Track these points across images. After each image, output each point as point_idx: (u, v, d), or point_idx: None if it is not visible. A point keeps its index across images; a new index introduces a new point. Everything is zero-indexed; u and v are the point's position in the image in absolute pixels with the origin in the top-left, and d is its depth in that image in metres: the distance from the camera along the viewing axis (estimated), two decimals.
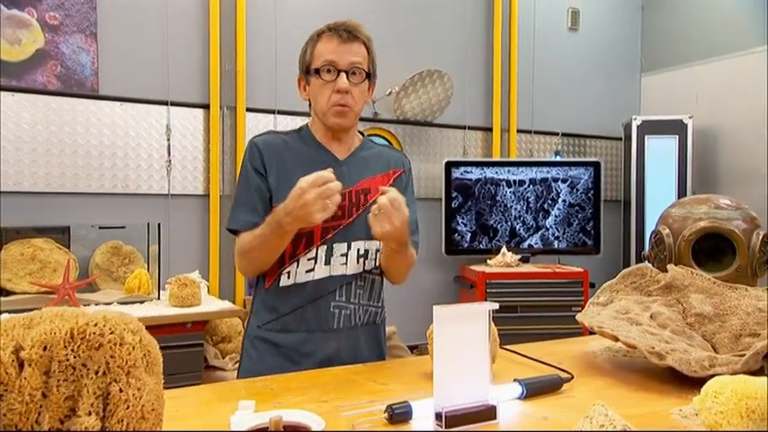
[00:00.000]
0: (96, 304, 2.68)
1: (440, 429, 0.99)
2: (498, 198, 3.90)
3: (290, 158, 1.55)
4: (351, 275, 1.55)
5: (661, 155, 4.22)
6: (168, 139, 3.21)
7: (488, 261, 3.78)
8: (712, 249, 1.74)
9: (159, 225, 2.86)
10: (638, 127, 4.23)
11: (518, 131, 4.27)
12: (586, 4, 4.58)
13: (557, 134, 4.44)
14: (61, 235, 2.88)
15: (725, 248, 1.71)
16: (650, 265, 1.65)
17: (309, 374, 1.33)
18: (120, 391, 0.72)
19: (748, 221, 1.70)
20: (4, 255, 2.72)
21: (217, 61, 3.30)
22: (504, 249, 3.77)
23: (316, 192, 1.31)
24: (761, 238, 1.67)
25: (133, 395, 0.72)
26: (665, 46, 4.71)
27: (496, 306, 1.07)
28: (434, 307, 1.02)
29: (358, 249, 1.56)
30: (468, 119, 4.11)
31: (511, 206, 3.91)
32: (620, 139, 4.55)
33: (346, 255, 1.54)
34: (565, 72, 4.50)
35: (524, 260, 3.87)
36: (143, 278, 2.84)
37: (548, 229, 3.94)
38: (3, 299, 2.65)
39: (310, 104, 1.61)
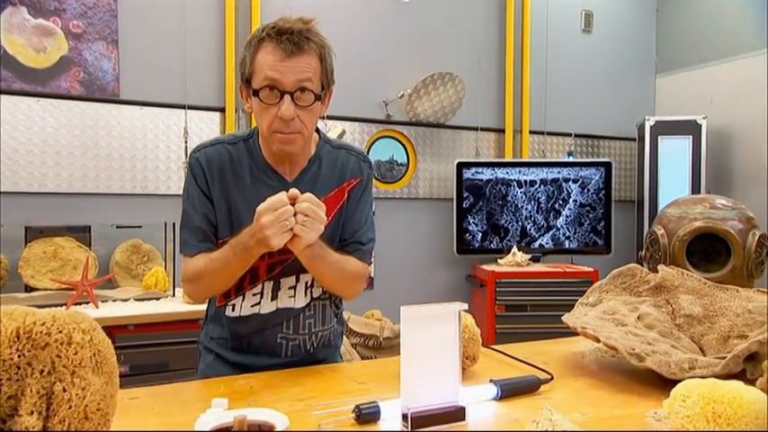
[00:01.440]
0: (114, 300, 2.71)
1: (406, 430, 0.96)
2: (509, 198, 3.83)
3: (233, 180, 1.40)
4: (299, 308, 1.42)
5: (675, 155, 4.11)
6: (186, 142, 3.22)
7: (499, 261, 3.72)
8: (707, 250, 1.67)
9: (174, 224, 2.86)
10: (651, 127, 4.13)
11: (531, 132, 4.19)
12: (600, 6, 4.48)
13: (570, 135, 4.35)
14: (82, 234, 2.90)
15: (720, 249, 1.64)
16: (640, 265, 1.59)
17: (291, 372, 1.30)
18: (64, 390, 0.70)
19: (744, 221, 1.63)
20: (28, 252, 2.75)
21: (233, 66, 3.30)
22: (514, 249, 3.71)
23: (271, 216, 1.18)
24: (757, 238, 1.60)
25: (76, 395, 0.70)
26: (679, 47, 4.58)
27: (465, 306, 1.03)
28: (402, 308, 0.98)
29: (306, 282, 1.42)
30: (480, 120, 4.05)
31: (522, 206, 3.84)
32: (634, 139, 4.45)
33: (294, 287, 1.42)
34: (578, 74, 4.41)
35: (535, 260, 3.80)
36: (159, 276, 2.85)
37: (558, 229, 3.87)
38: (26, 295, 2.69)
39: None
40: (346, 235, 1.46)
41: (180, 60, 3.23)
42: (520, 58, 4.15)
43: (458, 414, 1.00)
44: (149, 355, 2.57)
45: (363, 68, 3.66)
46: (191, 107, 3.24)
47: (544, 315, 3.47)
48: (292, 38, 1.27)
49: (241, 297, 1.42)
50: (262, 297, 1.41)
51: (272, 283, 1.41)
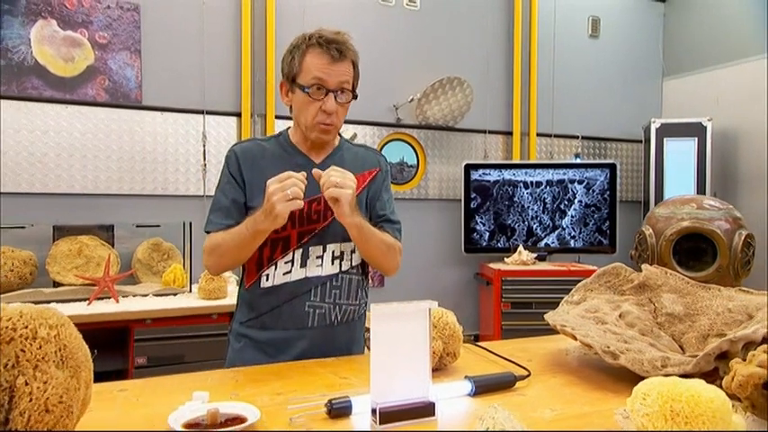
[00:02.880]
0: (134, 296, 2.73)
1: (374, 425, 0.94)
2: (516, 199, 3.78)
3: (266, 163, 1.50)
4: (326, 276, 1.49)
5: (680, 157, 4.02)
6: (204, 145, 3.25)
7: (506, 259, 3.68)
8: (694, 249, 1.62)
9: (191, 224, 2.88)
10: (657, 130, 4.05)
11: (538, 135, 4.13)
12: (607, 11, 4.40)
13: (577, 137, 4.28)
14: (106, 232, 2.94)
15: (707, 248, 1.59)
16: (634, 264, 1.54)
17: (279, 367, 1.29)
18: (26, 383, 0.70)
19: (731, 222, 1.58)
20: (55, 250, 2.80)
21: (248, 73, 3.31)
22: (520, 248, 3.66)
23: (276, 184, 1.28)
24: (743, 238, 1.54)
25: (38, 388, 0.70)
26: (686, 51, 4.48)
27: (435, 304, 1.01)
28: (372, 305, 0.96)
29: (333, 251, 1.50)
30: (488, 123, 4.01)
31: (528, 207, 3.79)
32: (641, 141, 4.36)
33: (321, 257, 1.49)
34: (586, 78, 4.34)
35: (541, 259, 3.74)
36: (178, 273, 2.87)
37: (564, 229, 3.80)
38: (52, 290, 2.72)
39: (291, 108, 1.53)
40: (378, 214, 1.58)
41: (198, 68, 3.26)
42: (527, 63, 4.10)
43: (427, 410, 0.97)
44: (166, 347, 2.58)
45: (374, 74, 3.63)
46: (208, 112, 3.27)
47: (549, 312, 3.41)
48: (338, 46, 1.43)
49: (274, 267, 1.48)
50: (292, 265, 1.48)
51: (301, 250, 1.48)
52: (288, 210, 1.28)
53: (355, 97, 1.50)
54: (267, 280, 1.48)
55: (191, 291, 2.83)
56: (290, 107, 1.53)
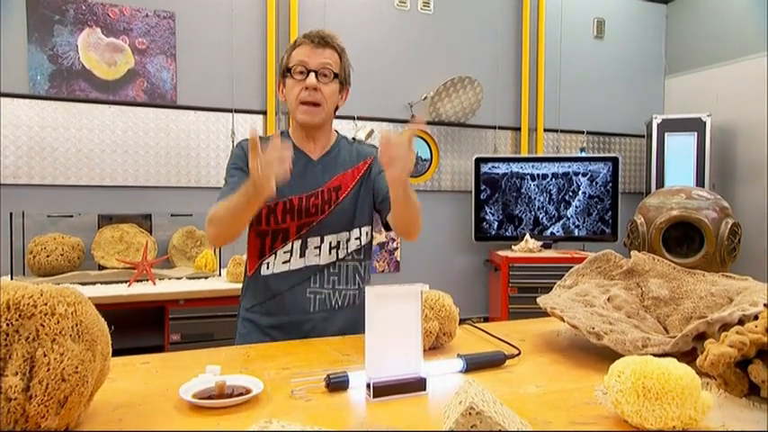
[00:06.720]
0: (169, 279, 2.77)
1: (369, 398, 0.94)
2: (523, 191, 3.74)
3: None
4: (323, 264, 1.48)
5: (680, 150, 3.93)
6: (233, 141, 3.27)
7: (513, 247, 3.64)
8: (683, 237, 1.59)
9: None
10: (658, 125, 3.95)
11: (545, 130, 4.08)
12: (611, 13, 4.30)
13: (582, 132, 4.21)
14: (144, 221, 2.99)
15: (694, 236, 1.56)
16: (616, 252, 1.51)
17: (286, 344, 1.29)
18: (44, 355, 0.71)
19: (718, 211, 1.54)
20: (99, 237, 2.85)
21: (273, 75, 3.32)
22: (527, 236, 3.62)
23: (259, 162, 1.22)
24: (729, 226, 1.50)
25: (55, 359, 0.71)
26: (687, 50, 4.36)
27: (426, 287, 1.00)
28: (367, 288, 0.96)
29: (330, 242, 1.49)
30: (498, 120, 3.96)
31: (534, 198, 3.74)
32: (643, 136, 4.27)
33: (319, 247, 1.48)
34: (591, 76, 4.26)
35: (547, 246, 3.69)
36: (209, 258, 2.91)
37: (569, 219, 3.75)
38: (97, 272, 2.78)
39: (287, 103, 1.51)
40: (386, 192, 1.45)
41: (227, 70, 3.28)
42: (535, 62, 4.04)
43: (418, 384, 0.97)
44: (197, 325, 2.63)
45: (390, 73, 3.62)
46: (237, 111, 3.29)
47: None
48: (319, 35, 1.46)
49: (273, 256, 1.48)
50: (291, 255, 1.47)
51: (300, 241, 1.47)
52: (270, 181, 1.21)
53: (336, 76, 1.46)
54: (267, 268, 1.48)
55: (220, 274, 2.87)
56: (287, 102, 1.50)
